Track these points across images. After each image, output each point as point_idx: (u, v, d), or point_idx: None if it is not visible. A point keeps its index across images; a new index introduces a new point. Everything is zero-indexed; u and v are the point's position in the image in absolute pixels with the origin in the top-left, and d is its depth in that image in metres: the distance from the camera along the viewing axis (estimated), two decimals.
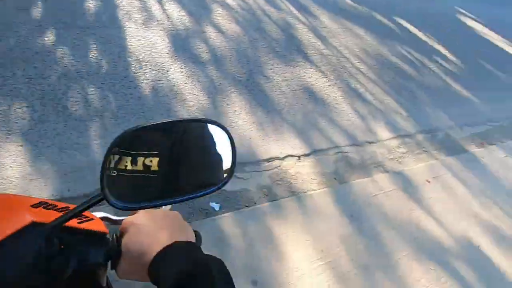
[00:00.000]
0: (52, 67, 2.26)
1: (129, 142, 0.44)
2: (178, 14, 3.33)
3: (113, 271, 0.48)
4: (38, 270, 0.43)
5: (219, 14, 3.60)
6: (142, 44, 2.77)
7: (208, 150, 0.52)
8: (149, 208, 0.46)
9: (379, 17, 5.16)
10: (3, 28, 2.37)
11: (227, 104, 2.52)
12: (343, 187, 2.20)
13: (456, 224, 2.21)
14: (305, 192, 2.09)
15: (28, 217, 0.44)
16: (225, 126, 0.51)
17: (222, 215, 1.77)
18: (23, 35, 2.39)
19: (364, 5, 5.37)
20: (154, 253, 0.41)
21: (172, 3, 3.47)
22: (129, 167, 0.43)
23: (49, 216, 0.44)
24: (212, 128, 0.51)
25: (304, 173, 2.24)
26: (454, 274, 1.90)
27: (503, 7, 8.72)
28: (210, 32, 3.25)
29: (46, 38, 2.45)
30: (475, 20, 6.73)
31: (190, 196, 0.47)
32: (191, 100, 2.43)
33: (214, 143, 0.51)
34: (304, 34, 3.86)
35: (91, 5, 2.98)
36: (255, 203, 1.92)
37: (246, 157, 2.18)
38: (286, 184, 2.11)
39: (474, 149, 3.07)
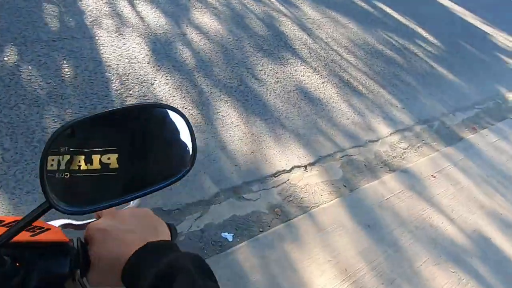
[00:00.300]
0: (18, 93, 1.95)
1: (80, 139, 0.39)
2: (153, 16, 3.03)
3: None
4: None
5: (198, 12, 3.33)
6: (119, 55, 2.49)
7: (168, 139, 0.49)
8: (108, 208, 0.40)
9: (359, 3, 5.05)
10: None
11: (223, 116, 2.33)
12: (354, 195, 2.12)
13: (467, 218, 2.21)
14: (317, 205, 1.99)
15: None
16: (180, 110, 0.47)
17: (237, 246, 1.63)
18: None
19: None
20: (126, 258, 0.39)
21: (145, 3, 3.15)
22: (83, 167, 0.39)
23: None
24: (169, 114, 0.47)
25: (313, 184, 2.12)
26: (472, 272, 1.90)
27: None
28: (192, 34, 2.99)
29: (5, 58, 2.11)
30: (453, 1, 6.80)
31: (153, 188, 0.43)
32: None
33: (173, 131, 0.47)
34: (289, 27, 3.68)
35: (52, 13, 2.62)
36: (269, 226, 1.79)
37: (251, 175, 2.03)
38: (297, 200, 1.99)
39: (468, 135, 3.10)
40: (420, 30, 4.88)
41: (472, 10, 6.68)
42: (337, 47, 3.68)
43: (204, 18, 3.27)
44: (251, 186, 1.97)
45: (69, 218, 0.53)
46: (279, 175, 2.10)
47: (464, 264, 1.92)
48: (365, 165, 2.40)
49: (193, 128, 0.47)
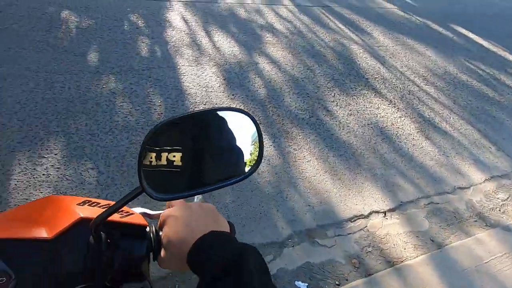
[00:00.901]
0: (113, 119, 2.14)
1: (153, 139, 0.44)
2: (228, 46, 3.17)
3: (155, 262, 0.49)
4: (90, 262, 0.47)
5: (269, 42, 3.40)
6: (198, 83, 2.62)
7: (231, 141, 0.52)
8: (180, 198, 0.46)
9: (435, 27, 4.70)
10: (64, 79, 2.32)
11: (294, 150, 2.26)
12: (444, 253, 1.83)
13: None
14: (401, 261, 1.76)
15: (76, 214, 0.49)
16: (250, 113, 0.51)
17: None
18: (83, 85, 2.32)
19: (416, 15, 4.94)
20: (192, 242, 0.42)
21: (220, 33, 3.33)
22: (154, 162, 0.44)
23: (94, 213, 0.46)
24: (237, 117, 0.51)
25: (394, 234, 1.90)
26: None
27: None
28: (264, 64, 3.04)
29: (104, 86, 2.37)
30: None
31: (216, 186, 0.47)
32: None
33: (237, 133, 0.51)
34: (360, 55, 3.54)
35: (142, 44, 2.89)
36: (347, 279, 1.63)
37: (326, 217, 1.90)
38: (376, 251, 1.80)
39: None
40: (511, 57, 4.32)
41: None
42: (414, 77, 3.42)
43: (275, 47, 3.33)
44: (326, 230, 1.83)
45: (145, 208, 0.60)
46: (355, 220, 1.93)
47: None
48: (455, 216, 2.09)
49: (259, 125, 0.50)
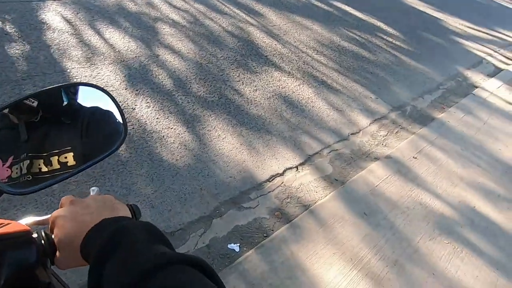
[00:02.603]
0: None
1: (36, 144, 0.42)
2: (122, 42, 3.03)
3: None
4: None
5: (167, 33, 3.36)
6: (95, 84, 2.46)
7: (106, 119, 0.53)
8: (48, 186, 0.46)
9: (318, 4, 5.29)
10: None
11: (209, 131, 2.36)
12: (347, 187, 2.21)
13: (451, 191, 2.37)
14: (314, 202, 2.06)
15: None
16: (102, 86, 0.54)
17: (245, 255, 1.65)
18: None
19: None
20: (83, 235, 0.41)
21: (111, 30, 3.15)
22: (44, 169, 0.43)
23: None
24: (95, 92, 0.53)
25: (306, 183, 2.20)
26: (464, 240, 2.03)
27: None
28: (165, 55, 3.02)
29: None
30: None
31: (94, 161, 0.48)
32: (170, 136, 2.23)
33: (107, 108, 0.53)
34: (258, 36, 3.79)
35: (17, 52, 2.55)
36: (272, 230, 1.83)
37: (247, 183, 2.07)
38: (294, 200, 2.06)
39: (438, 115, 3.32)
40: (379, 24, 5.18)
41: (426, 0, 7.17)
42: (306, 49, 3.84)
43: (174, 38, 3.31)
44: (248, 194, 2.01)
45: (33, 216, 0.55)
46: (273, 179, 2.15)
47: (456, 234, 2.05)
48: (351, 157, 2.51)
49: (112, 95, 0.54)
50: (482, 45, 5.57)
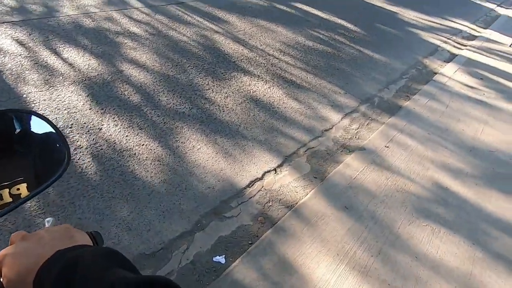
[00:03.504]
0: None
1: None
2: (82, 60, 2.90)
3: None
4: None
5: (129, 47, 3.27)
6: (55, 107, 2.34)
7: (49, 144, 0.52)
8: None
9: (281, 7, 5.39)
10: None
11: (183, 143, 2.31)
12: (326, 183, 2.24)
13: (424, 175, 2.47)
14: (296, 202, 2.07)
15: None
16: (40, 113, 0.53)
17: (232, 266, 1.62)
18: None
19: None
20: (36, 270, 0.38)
21: (69, 49, 3.01)
22: None
23: None
24: (35, 120, 0.52)
25: (286, 184, 2.20)
26: (441, 220, 2.12)
27: None
28: (129, 70, 2.93)
29: None
30: None
31: (40, 189, 0.46)
32: (142, 153, 2.15)
33: (46, 134, 0.51)
34: (224, 42, 3.78)
35: None
36: (257, 236, 1.81)
37: (227, 192, 2.04)
38: (276, 203, 2.05)
39: (404, 103, 3.47)
40: (340, 21, 5.36)
41: None
42: (273, 51, 3.88)
43: (137, 52, 3.22)
44: (229, 203, 1.97)
45: None
46: (253, 184, 2.14)
47: (432, 216, 2.14)
48: (327, 153, 2.56)
49: (50, 121, 0.53)
50: (436, 34, 5.92)
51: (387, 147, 2.71)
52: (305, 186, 2.21)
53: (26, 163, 0.50)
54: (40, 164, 0.53)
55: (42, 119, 0.52)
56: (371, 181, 2.32)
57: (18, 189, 0.43)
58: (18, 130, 0.56)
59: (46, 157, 0.53)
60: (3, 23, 3.18)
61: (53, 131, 0.52)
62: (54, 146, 0.52)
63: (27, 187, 0.44)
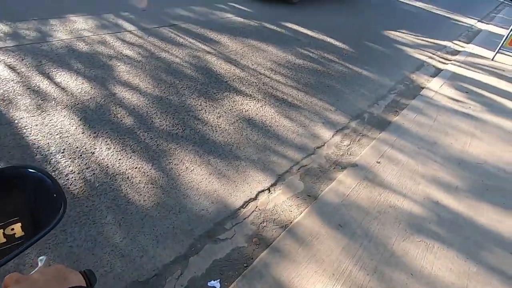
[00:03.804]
0: None
1: None
2: (75, 84, 2.93)
3: None
4: None
5: (122, 70, 3.31)
6: (47, 132, 2.33)
7: (45, 192, 0.52)
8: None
9: (271, 27, 5.55)
10: None
11: (176, 165, 2.31)
12: (319, 201, 2.25)
13: (415, 190, 2.51)
14: (291, 222, 2.07)
15: None
16: (34, 166, 0.53)
17: None
18: None
19: (253, 20, 5.71)
20: None
21: (62, 73, 3.04)
22: None
23: None
24: (31, 172, 0.52)
25: (280, 203, 2.21)
26: (434, 235, 2.14)
27: None
28: (122, 93, 2.96)
29: None
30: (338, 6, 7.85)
31: (34, 240, 0.46)
32: (135, 176, 2.15)
33: (42, 182, 0.52)
34: (216, 63, 3.86)
35: None
36: (252, 258, 1.80)
37: (221, 213, 2.03)
38: (270, 223, 2.05)
39: (394, 118, 3.55)
40: (329, 39, 5.53)
41: (359, 13, 7.81)
42: (264, 70, 3.97)
43: (130, 74, 3.27)
44: (223, 225, 1.96)
45: None
46: (247, 205, 2.14)
47: (426, 231, 2.16)
48: (320, 170, 2.58)
49: (57, 180, 0.54)
50: (421, 50, 6.15)
51: (379, 162, 2.76)
52: (299, 204, 2.22)
53: (21, 205, 0.51)
54: (36, 208, 0.54)
55: (38, 170, 0.53)
56: (364, 198, 2.34)
57: (13, 229, 0.43)
58: (13, 180, 0.57)
59: (42, 203, 0.54)
60: None
61: (50, 181, 0.53)
62: (50, 196, 0.53)
63: (21, 226, 0.44)
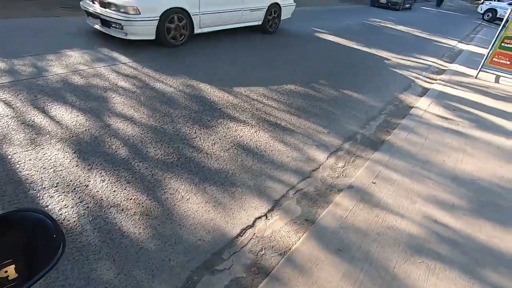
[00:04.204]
0: None
1: None
2: (70, 117, 2.96)
3: None
4: None
5: (117, 101, 3.37)
6: (41, 167, 2.32)
7: (43, 231, 0.52)
8: None
9: (260, 53, 5.75)
10: None
11: (172, 194, 2.30)
12: (317, 226, 2.23)
13: (412, 209, 2.51)
14: (289, 248, 2.03)
15: None
16: (38, 209, 0.53)
17: None
18: None
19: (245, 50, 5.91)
20: None
21: (57, 107, 3.08)
22: None
23: None
24: (27, 215, 0.52)
25: (278, 229, 2.18)
26: (435, 255, 2.11)
27: (342, 18, 10.97)
28: (116, 124, 2.99)
29: None
30: (333, 35, 8.24)
31: (31, 282, 0.45)
32: (130, 208, 2.12)
33: (41, 222, 0.51)
34: (209, 91, 3.96)
35: None
36: None
37: (218, 243, 1.99)
38: (269, 251, 2.01)
39: (386, 138, 3.62)
40: (318, 64, 5.73)
41: (348, 38, 8.18)
42: (257, 96, 4.07)
43: (125, 105, 3.32)
44: (221, 254, 1.92)
45: None
46: (244, 232, 2.10)
47: (426, 251, 2.13)
48: (316, 193, 2.58)
49: (57, 221, 0.54)
50: (407, 71, 6.39)
51: (374, 183, 2.77)
52: (297, 230, 2.19)
53: (16, 246, 0.51)
54: (32, 250, 0.54)
55: (38, 212, 0.54)
56: (361, 220, 2.33)
57: (6, 271, 0.43)
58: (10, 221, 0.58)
59: (39, 244, 0.54)
60: None
61: (50, 222, 0.54)
62: (50, 236, 0.53)
63: (15, 268, 0.43)
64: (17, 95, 3.16)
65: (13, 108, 2.94)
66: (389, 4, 17.08)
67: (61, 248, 0.54)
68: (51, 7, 6.68)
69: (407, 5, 18.57)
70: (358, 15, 12.71)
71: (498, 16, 18.63)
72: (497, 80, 6.63)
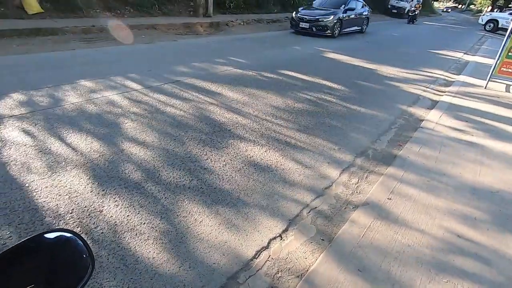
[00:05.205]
0: None
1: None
2: (85, 143, 3.04)
3: None
4: None
5: (129, 127, 3.46)
6: (57, 194, 2.36)
7: (72, 247, 0.52)
8: None
9: (268, 75, 5.89)
10: None
11: (185, 217, 2.28)
12: (334, 245, 2.16)
13: (432, 224, 2.41)
14: (307, 270, 1.96)
15: None
16: (68, 229, 0.55)
17: None
18: None
19: (251, 70, 6.08)
20: None
21: (73, 134, 3.18)
22: None
23: None
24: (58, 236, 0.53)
25: (294, 250, 2.12)
26: (461, 273, 1.99)
27: (346, 41, 11.19)
28: (129, 149, 3.05)
29: None
30: (337, 53, 8.40)
31: None
32: (144, 232, 2.11)
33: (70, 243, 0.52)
34: (218, 113, 4.03)
35: None
36: None
37: (233, 266, 1.94)
38: (285, 273, 1.94)
39: (398, 152, 3.56)
40: (325, 82, 5.81)
41: (352, 55, 8.32)
42: (266, 116, 4.11)
43: (137, 130, 3.40)
44: (236, 278, 1.87)
45: None
46: (259, 254, 2.05)
47: (451, 269, 2.02)
48: (331, 211, 2.52)
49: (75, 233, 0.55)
50: (414, 84, 6.39)
51: (390, 199, 2.69)
52: (314, 250, 2.13)
53: (38, 271, 0.50)
54: (56, 273, 0.53)
55: (68, 232, 0.55)
56: (380, 238, 2.25)
57: None
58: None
59: (66, 264, 0.54)
60: (11, 116, 3.42)
61: (80, 242, 0.55)
62: (77, 257, 0.53)
63: None
64: (35, 124, 3.29)
65: (32, 137, 3.05)
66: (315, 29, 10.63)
67: (90, 267, 0.53)
68: (66, 40, 7.08)
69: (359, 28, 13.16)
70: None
71: (500, 26, 18.72)
72: (507, 89, 6.55)
